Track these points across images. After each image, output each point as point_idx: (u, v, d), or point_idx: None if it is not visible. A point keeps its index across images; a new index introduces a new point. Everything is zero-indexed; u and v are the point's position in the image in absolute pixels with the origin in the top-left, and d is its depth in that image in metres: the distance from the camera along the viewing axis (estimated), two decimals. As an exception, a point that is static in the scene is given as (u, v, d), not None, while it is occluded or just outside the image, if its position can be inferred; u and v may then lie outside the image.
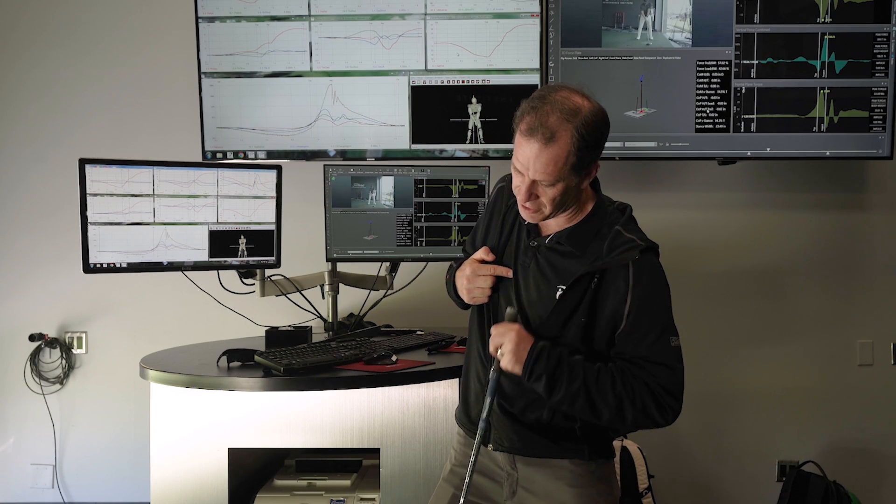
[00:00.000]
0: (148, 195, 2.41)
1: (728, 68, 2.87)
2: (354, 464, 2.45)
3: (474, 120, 2.95)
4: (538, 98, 1.47)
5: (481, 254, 1.66)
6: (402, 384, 2.14)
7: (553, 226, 1.59)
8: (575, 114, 1.44)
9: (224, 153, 3.00)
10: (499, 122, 2.94)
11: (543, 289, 1.56)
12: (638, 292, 1.48)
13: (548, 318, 1.54)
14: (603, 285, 1.50)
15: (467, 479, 1.58)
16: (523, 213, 1.56)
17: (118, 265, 2.38)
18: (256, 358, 2.18)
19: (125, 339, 3.22)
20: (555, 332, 1.54)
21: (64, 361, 3.23)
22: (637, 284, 1.48)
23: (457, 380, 2.09)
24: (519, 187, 1.51)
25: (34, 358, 3.23)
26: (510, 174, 1.61)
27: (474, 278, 1.63)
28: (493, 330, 1.56)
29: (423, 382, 2.15)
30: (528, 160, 1.46)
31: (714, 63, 2.87)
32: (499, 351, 1.54)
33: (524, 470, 1.65)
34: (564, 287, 1.52)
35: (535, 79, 2.92)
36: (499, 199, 1.71)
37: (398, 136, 2.97)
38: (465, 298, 1.67)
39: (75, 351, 3.25)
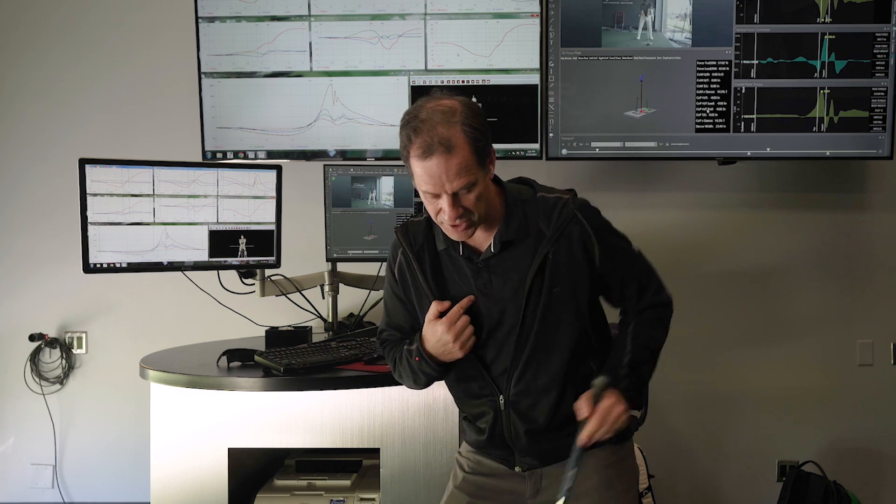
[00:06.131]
0: (148, 195, 2.41)
1: (728, 68, 2.87)
2: (354, 464, 2.45)
3: (474, 120, 2.95)
4: (413, 120, 1.46)
5: (434, 309, 1.59)
6: (402, 384, 2.14)
7: (483, 239, 1.57)
8: (453, 113, 1.45)
9: (224, 153, 3.00)
10: (499, 122, 2.94)
11: (512, 285, 1.56)
12: (598, 233, 1.56)
13: (525, 307, 1.54)
14: (560, 249, 1.53)
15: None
16: (456, 234, 1.53)
17: (118, 265, 2.38)
18: (256, 358, 2.19)
19: (125, 339, 3.21)
20: (539, 316, 1.55)
21: (64, 361, 3.23)
22: (594, 227, 1.56)
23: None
24: (442, 209, 1.48)
25: (34, 358, 3.23)
26: (394, 241, 1.66)
27: (451, 332, 1.55)
28: (596, 416, 1.50)
29: (423, 382, 2.15)
30: (440, 176, 1.44)
31: (714, 63, 2.87)
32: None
33: (549, 469, 1.65)
34: (531, 274, 1.54)
35: (535, 79, 2.92)
36: (405, 262, 1.64)
37: (398, 136, 2.96)
38: (459, 355, 1.58)
39: (75, 351, 3.25)
